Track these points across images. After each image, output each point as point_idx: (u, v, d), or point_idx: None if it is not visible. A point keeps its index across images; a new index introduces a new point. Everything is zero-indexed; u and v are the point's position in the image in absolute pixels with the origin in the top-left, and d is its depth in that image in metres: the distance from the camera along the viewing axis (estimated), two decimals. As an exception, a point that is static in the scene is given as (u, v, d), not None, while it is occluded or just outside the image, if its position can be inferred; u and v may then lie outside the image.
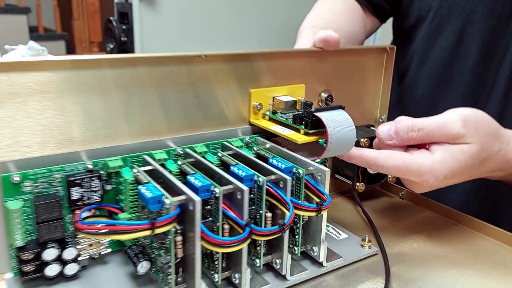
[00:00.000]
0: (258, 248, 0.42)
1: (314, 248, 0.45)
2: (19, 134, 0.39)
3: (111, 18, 1.47)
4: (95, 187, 0.41)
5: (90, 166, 0.41)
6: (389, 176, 0.61)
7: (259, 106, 0.51)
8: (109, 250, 0.43)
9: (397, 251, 0.50)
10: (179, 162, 0.44)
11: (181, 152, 0.46)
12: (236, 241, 0.36)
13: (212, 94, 0.49)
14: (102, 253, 0.43)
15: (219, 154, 0.46)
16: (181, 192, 0.37)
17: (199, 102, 0.48)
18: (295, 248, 0.45)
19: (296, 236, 0.44)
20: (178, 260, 0.38)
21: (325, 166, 0.59)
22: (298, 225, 0.44)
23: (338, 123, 0.45)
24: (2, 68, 0.37)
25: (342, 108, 0.47)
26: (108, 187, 0.42)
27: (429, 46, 0.74)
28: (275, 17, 1.72)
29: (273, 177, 0.41)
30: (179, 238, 0.37)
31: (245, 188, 0.37)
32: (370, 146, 0.57)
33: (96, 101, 0.42)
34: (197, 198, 0.35)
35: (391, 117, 0.58)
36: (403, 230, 0.54)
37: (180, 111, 0.47)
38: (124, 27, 1.41)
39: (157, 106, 0.45)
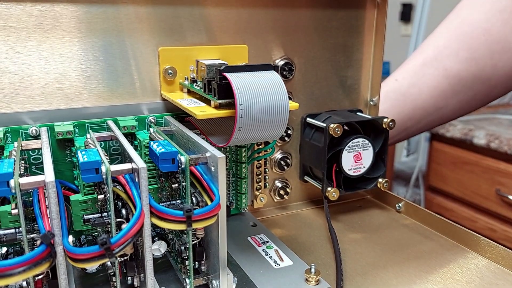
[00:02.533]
0: (114, 279, 0.27)
1: (214, 282, 0.29)
2: None
3: None
4: None
5: None
6: (380, 180, 0.43)
7: (170, 72, 0.36)
8: None
9: (365, 291, 0.32)
10: (15, 145, 0.30)
11: (35, 132, 0.32)
12: (13, 267, 0.20)
13: (108, 51, 0.35)
14: None
15: (88, 136, 0.32)
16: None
17: (90, 62, 0.34)
18: (187, 280, 0.29)
19: (187, 262, 0.29)
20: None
21: (288, 161, 0.44)
22: (188, 245, 0.28)
23: (257, 89, 0.29)
24: None
25: (274, 68, 0.31)
26: None
27: None
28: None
29: (129, 166, 0.26)
30: None
31: (49, 179, 0.22)
32: (346, 135, 0.40)
33: None
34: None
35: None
36: (386, 260, 0.36)
37: (55, 72, 0.33)
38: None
39: (14, 62, 0.32)
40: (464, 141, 1.16)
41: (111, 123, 0.34)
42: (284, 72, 0.41)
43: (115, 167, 0.25)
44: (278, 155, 0.43)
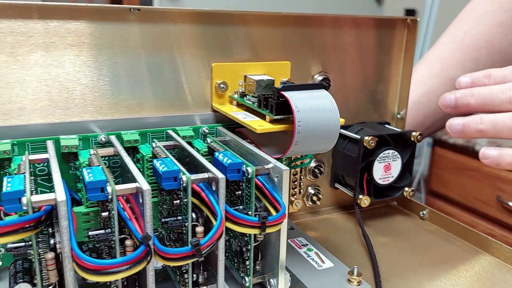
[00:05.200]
0: (186, 275, 0.30)
1: (271, 280, 0.32)
2: None
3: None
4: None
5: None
6: (406, 188, 0.46)
7: (222, 86, 0.39)
8: (-1, 263, 0.33)
9: (401, 292, 0.35)
10: (91, 152, 0.33)
11: (104, 140, 0.35)
12: (119, 265, 0.24)
13: (167, 67, 0.38)
14: (-9, 266, 0.33)
15: (153, 145, 0.35)
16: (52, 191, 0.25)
17: (147, 76, 0.37)
18: (246, 278, 0.32)
19: (247, 262, 0.32)
20: (52, 286, 0.26)
21: (321, 169, 0.47)
22: (249, 247, 0.31)
23: (313, 107, 0.32)
24: None
25: (325, 87, 0.34)
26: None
27: None
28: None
29: (205, 175, 0.29)
30: (49, 255, 0.26)
31: (146, 188, 0.25)
32: (378, 146, 0.44)
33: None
34: (61, 198, 0.23)
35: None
36: (415, 263, 0.40)
37: (118, 85, 0.36)
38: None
39: (83, 76, 0.35)
40: (466, 148, 1.20)
41: (172, 133, 0.37)
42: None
43: (195, 176, 0.28)
44: (312, 163, 0.47)
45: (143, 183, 0.26)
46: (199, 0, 1.33)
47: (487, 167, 1.15)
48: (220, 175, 0.28)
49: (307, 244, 0.40)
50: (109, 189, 0.26)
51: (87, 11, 0.34)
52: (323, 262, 0.38)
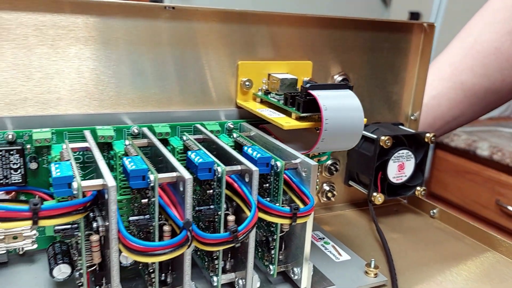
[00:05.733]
0: (216, 262, 0.32)
1: (295, 269, 0.34)
2: None
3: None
4: (15, 164, 0.32)
5: (10, 136, 0.32)
6: (418, 188, 0.48)
7: (247, 84, 0.41)
8: (35, 246, 0.34)
9: (412, 285, 0.37)
10: (127, 143, 0.34)
11: (137, 131, 0.36)
12: (163, 247, 0.25)
13: (193, 63, 0.39)
14: (26, 249, 0.34)
15: (184, 138, 0.36)
16: (100, 176, 0.27)
17: (175, 72, 0.39)
18: (271, 266, 0.34)
19: (272, 251, 0.33)
20: (95, 267, 0.28)
21: (337, 166, 0.48)
22: (275, 237, 0.33)
23: (339, 106, 0.34)
24: None
25: (350, 88, 0.36)
26: (33, 166, 0.33)
27: None
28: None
29: (238, 167, 0.30)
30: (95, 237, 0.27)
31: (188, 176, 0.27)
32: (393, 146, 0.45)
33: (25, 54, 0.33)
34: (111, 183, 0.25)
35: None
36: (426, 259, 0.41)
37: (148, 80, 0.38)
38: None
39: (116, 70, 0.36)
40: (467, 151, 1.22)
41: (200, 127, 0.38)
42: (342, 87, 0.46)
43: (229, 168, 0.30)
44: (329, 161, 0.48)
45: (184, 173, 0.27)
46: None
47: (487, 171, 1.20)
48: (254, 167, 0.29)
49: (323, 238, 0.42)
50: (151, 177, 0.27)
51: (124, 8, 0.35)
52: (340, 254, 0.40)
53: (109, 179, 0.25)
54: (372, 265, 0.37)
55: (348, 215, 0.50)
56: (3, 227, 0.24)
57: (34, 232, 0.33)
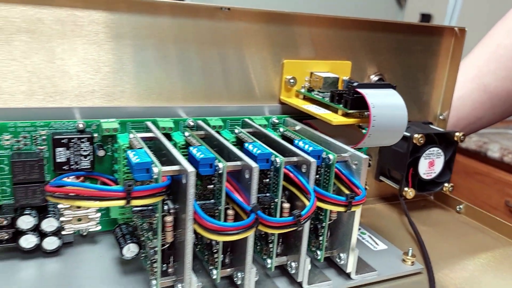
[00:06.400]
0: (271, 245, 0.34)
1: (341, 255, 0.36)
2: (1, 79, 0.33)
3: None
4: (85, 151, 0.35)
5: (81, 126, 0.35)
6: (446, 184, 0.51)
7: (292, 81, 0.43)
8: (98, 228, 0.37)
9: (446, 274, 0.40)
10: (186, 134, 0.37)
11: (192, 124, 0.39)
12: (236, 228, 0.28)
13: (238, 60, 0.41)
14: (90, 230, 0.37)
15: (236, 131, 0.39)
16: (175, 163, 0.29)
17: (223, 69, 0.41)
18: (318, 252, 0.36)
19: (320, 238, 0.36)
20: (167, 246, 0.30)
21: (369, 162, 0.51)
22: (324, 224, 0.35)
23: (386, 104, 0.36)
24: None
25: (393, 87, 0.38)
26: (101, 153, 0.36)
27: None
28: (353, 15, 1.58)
29: (294, 159, 0.33)
30: (169, 218, 0.30)
31: (254, 165, 0.29)
32: (425, 144, 0.48)
33: (96, 51, 0.36)
34: (190, 169, 0.28)
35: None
36: (456, 250, 0.44)
37: (199, 77, 0.40)
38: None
39: (172, 67, 0.39)
40: (478, 153, 1.24)
41: (249, 121, 0.41)
42: (377, 87, 0.48)
43: (287, 159, 0.32)
44: (361, 156, 0.51)
45: (249, 161, 0.30)
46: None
47: (497, 172, 1.24)
48: (311, 159, 0.32)
49: (359, 228, 0.45)
50: (220, 165, 0.30)
51: (182, 8, 0.38)
52: (377, 244, 0.42)
53: (187, 165, 0.28)
54: (410, 254, 0.39)
55: (378, 208, 0.52)
56: (97, 205, 0.26)
57: (99, 214, 0.36)
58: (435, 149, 0.49)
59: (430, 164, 0.49)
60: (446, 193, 0.52)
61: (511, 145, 1.24)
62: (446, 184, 0.51)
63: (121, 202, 0.26)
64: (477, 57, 0.64)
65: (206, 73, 0.41)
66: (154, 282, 0.31)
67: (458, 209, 0.52)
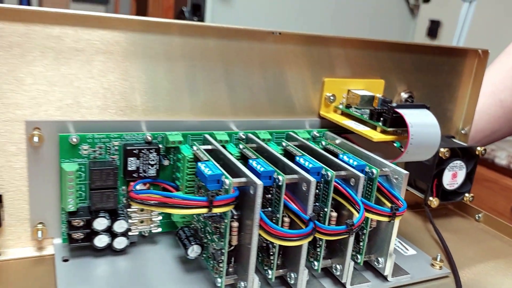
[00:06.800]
0: (318, 249, 0.38)
1: (379, 259, 0.40)
2: (81, 95, 0.37)
3: (184, 8, 1.49)
4: (153, 160, 0.39)
5: (149, 138, 0.39)
6: (467, 194, 0.55)
7: (331, 98, 0.47)
8: (159, 229, 0.41)
9: (471, 277, 0.44)
10: (241, 146, 0.41)
11: (243, 137, 0.43)
12: (298, 235, 0.32)
13: (282, 78, 0.45)
14: (152, 231, 0.41)
15: (283, 144, 0.43)
16: (243, 175, 0.33)
17: (267, 86, 0.45)
18: (358, 256, 0.40)
19: (361, 243, 0.40)
20: (232, 248, 0.34)
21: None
22: (365, 231, 0.39)
23: (422, 123, 0.40)
24: (68, 21, 0.35)
25: (427, 108, 0.42)
26: (166, 163, 0.40)
27: None
28: (368, 25, 1.61)
29: (343, 173, 0.37)
30: (235, 224, 0.34)
31: (312, 179, 0.33)
32: (451, 157, 0.52)
33: (161, 70, 0.40)
34: (259, 182, 0.31)
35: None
36: (478, 255, 0.48)
37: (246, 93, 0.44)
38: (195, 19, 1.42)
39: (223, 85, 0.43)
40: (486, 160, 1.28)
41: (294, 135, 0.45)
42: (407, 103, 0.52)
43: (337, 173, 0.36)
44: (390, 167, 0.55)
45: (307, 175, 0.34)
46: (252, 8, 1.40)
47: (505, 179, 1.30)
48: (361, 174, 0.36)
49: (389, 234, 0.49)
50: (280, 178, 0.34)
51: (239, 32, 0.42)
52: (407, 249, 0.46)
53: (255, 178, 0.32)
54: (438, 259, 0.43)
55: (403, 216, 0.56)
56: (183, 213, 0.30)
57: (160, 217, 0.40)
58: (458, 162, 0.53)
59: (453, 176, 0.53)
60: (466, 203, 0.56)
61: (518, 153, 1.27)
62: (466, 195, 0.55)
63: (204, 210, 0.30)
64: (493, 74, 0.69)
65: (253, 90, 0.44)
66: (219, 280, 0.35)
67: (477, 218, 0.56)
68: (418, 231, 0.52)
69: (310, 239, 0.32)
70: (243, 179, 0.33)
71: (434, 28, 2.46)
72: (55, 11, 0.34)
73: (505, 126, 0.70)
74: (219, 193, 0.33)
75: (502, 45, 0.74)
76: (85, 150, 0.37)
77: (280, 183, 0.34)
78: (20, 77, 0.35)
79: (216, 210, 0.31)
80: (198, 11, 1.40)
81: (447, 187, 0.53)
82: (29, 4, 3.39)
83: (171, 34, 0.39)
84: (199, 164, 0.34)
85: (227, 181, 0.32)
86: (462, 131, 0.58)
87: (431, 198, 0.52)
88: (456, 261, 0.45)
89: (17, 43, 0.34)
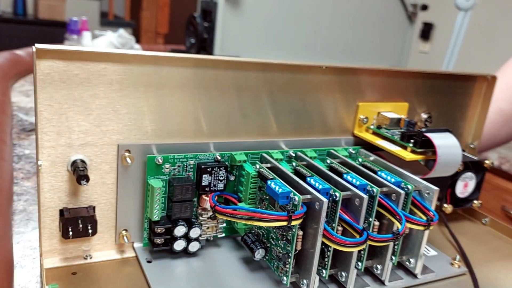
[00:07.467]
0: (362, 252, 0.45)
1: (411, 259, 0.48)
2: (164, 121, 0.44)
3: (195, 14, 1.54)
4: (222, 176, 0.45)
5: (218, 157, 0.46)
6: (475, 201, 0.62)
7: (365, 120, 0.54)
8: (223, 234, 0.48)
9: (485, 275, 0.51)
10: (294, 164, 0.47)
11: (293, 155, 0.50)
12: (356, 242, 0.39)
13: (320, 103, 0.52)
14: (218, 236, 0.47)
15: (328, 161, 0.50)
16: (306, 192, 0.40)
17: (307, 110, 0.52)
18: (393, 257, 0.48)
19: (396, 247, 0.47)
20: (296, 252, 0.41)
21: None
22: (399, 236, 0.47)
23: (447, 145, 0.48)
24: (154, 61, 0.42)
25: (450, 131, 0.50)
26: (231, 178, 0.46)
27: None
28: (368, 31, 1.69)
29: (385, 189, 0.44)
30: (300, 232, 0.41)
31: (365, 196, 0.40)
32: (464, 170, 0.59)
33: (217, 100, 0.46)
34: (324, 199, 0.38)
35: None
36: (489, 256, 0.56)
37: (289, 116, 0.51)
38: (206, 24, 1.47)
39: (268, 110, 0.49)
40: (479, 162, 1.37)
41: (334, 152, 0.52)
42: (427, 122, 0.60)
43: (382, 189, 0.43)
44: (409, 177, 0.62)
45: (358, 192, 0.41)
46: (264, 15, 1.46)
47: (496, 179, 1.43)
48: (401, 191, 0.43)
49: (412, 237, 0.56)
50: (336, 194, 0.41)
51: (290, 67, 0.48)
52: (429, 251, 0.54)
53: (319, 195, 0.39)
54: (457, 259, 0.51)
55: (420, 219, 0.64)
56: (266, 225, 0.37)
57: (224, 224, 0.47)
58: (469, 173, 0.60)
59: (465, 186, 0.61)
60: (475, 208, 0.64)
61: (509, 154, 1.37)
62: (475, 201, 0.62)
63: (285, 223, 0.37)
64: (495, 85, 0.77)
65: (297, 113, 0.51)
66: (285, 278, 0.42)
67: (484, 222, 0.64)
68: (434, 235, 0.60)
69: (363, 246, 0.40)
70: (308, 196, 0.40)
71: (427, 30, 2.55)
72: (150, 54, 0.41)
73: (503, 132, 0.79)
74: (287, 208, 0.40)
75: (497, 49, 0.82)
76: (167, 168, 0.44)
77: (337, 199, 0.41)
78: (117, 108, 0.42)
79: (294, 223, 0.38)
80: (208, 17, 1.45)
81: (459, 195, 0.61)
82: (24, 9, 3.40)
83: (221, 69, 0.45)
84: (269, 182, 0.41)
85: (296, 198, 0.39)
86: (471, 145, 0.66)
87: (445, 205, 0.60)
88: (472, 261, 0.53)
89: (117, 80, 0.41)
